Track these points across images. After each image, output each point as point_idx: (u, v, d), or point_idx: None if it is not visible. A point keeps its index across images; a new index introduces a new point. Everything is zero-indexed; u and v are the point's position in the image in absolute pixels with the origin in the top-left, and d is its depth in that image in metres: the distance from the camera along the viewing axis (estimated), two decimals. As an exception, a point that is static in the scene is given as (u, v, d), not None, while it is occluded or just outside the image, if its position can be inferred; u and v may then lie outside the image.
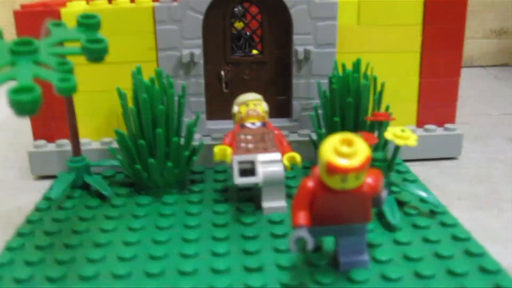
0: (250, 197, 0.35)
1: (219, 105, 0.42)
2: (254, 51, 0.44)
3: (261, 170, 0.31)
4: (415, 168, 0.40)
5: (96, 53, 0.26)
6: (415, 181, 0.37)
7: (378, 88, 0.36)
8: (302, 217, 0.24)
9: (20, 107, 0.21)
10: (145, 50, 0.39)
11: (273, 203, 0.33)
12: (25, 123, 0.51)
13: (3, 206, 0.36)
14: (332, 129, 0.35)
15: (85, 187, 0.37)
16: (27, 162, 0.42)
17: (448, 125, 0.42)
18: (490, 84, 0.67)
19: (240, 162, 0.31)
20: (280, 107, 0.42)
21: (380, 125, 0.34)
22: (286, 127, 0.41)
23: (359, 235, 0.26)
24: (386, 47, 0.40)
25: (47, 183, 0.39)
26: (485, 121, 0.52)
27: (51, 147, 0.40)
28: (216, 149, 0.33)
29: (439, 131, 0.42)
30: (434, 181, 0.38)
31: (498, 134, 0.48)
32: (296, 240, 0.24)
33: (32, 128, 0.40)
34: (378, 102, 0.35)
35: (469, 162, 0.41)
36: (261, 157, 0.32)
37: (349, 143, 0.22)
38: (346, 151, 0.22)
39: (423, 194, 0.33)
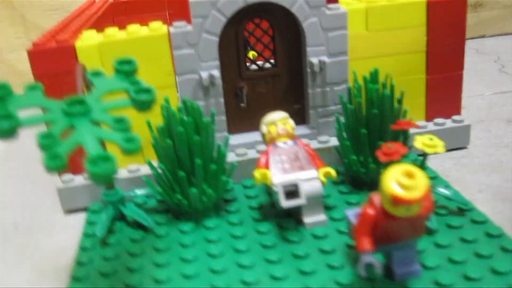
0: (288, 213, 0.36)
1: (237, 120, 0.42)
2: (251, 53, 0.44)
3: (303, 190, 0.33)
4: (430, 162, 0.42)
5: (145, 104, 0.27)
6: (436, 177, 0.39)
7: (396, 94, 0.37)
8: (367, 243, 0.26)
9: (100, 179, 0.22)
10: (163, 75, 0.39)
11: (314, 218, 0.34)
12: (29, 152, 0.51)
13: (45, 248, 0.36)
14: (358, 139, 0.37)
15: (121, 217, 0.38)
16: (52, 195, 0.42)
17: (455, 117, 0.44)
18: (473, 59, 0.69)
19: (285, 186, 0.32)
20: (296, 115, 0.43)
21: (404, 132, 0.36)
22: (305, 135, 0.42)
23: (412, 247, 0.28)
24: (394, 49, 0.42)
25: (79, 217, 0.40)
26: (480, 102, 0.55)
27: (79, 180, 0.40)
28: (257, 174, 0.34)
29: (448, 123, 0.44)
30: (451, 174, 0.40)
31: (495, 116, 0.51)
32: (365, 265, 0.26)
33: (56, 163, 0.40)
34: (399, 110, 0.36)
35: (477, 150, 0.44)
36: (298, 175, 0.34)
37: (410, 175, 0.24)
38: (409, 183, 0.24)
39: (448, 193, 0.35)
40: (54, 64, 0.38)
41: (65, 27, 0.45)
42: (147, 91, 0.27)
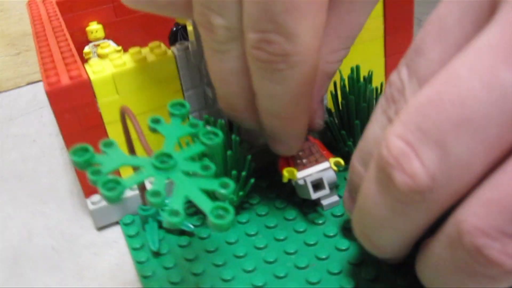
0: (303, 198, 0.43)
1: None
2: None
3: (326, 182, 0.40)
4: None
5: (216, 147, 0.31)
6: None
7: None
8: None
9: (225, 228, 0.27)
10: (172, 93, 0.43)
11: (329, 200, 0.42)
12: (21, 168, 0.53)
13: (100, 266, 0.40)
14: (350, 131, 0.44)
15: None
16: (70, 213, 0.45)
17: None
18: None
19: (312, 181, 0.39)
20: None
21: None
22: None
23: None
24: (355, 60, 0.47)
25: (113, 232, 0.43)
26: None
27: (107, 199, 0.43)
28: (285, 172, 0.40)
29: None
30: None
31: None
32: None
33: (82, 187, 0.43)
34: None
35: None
36: (316, 168, 0.40)
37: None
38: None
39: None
40: (73, 99, 0.40)
41: (48, 47, 0.46)
42: (216, 134, 0.32)
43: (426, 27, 0.27)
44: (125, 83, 0.41)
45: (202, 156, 0.39)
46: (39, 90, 0.67)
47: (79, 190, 0.49)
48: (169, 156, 0.30)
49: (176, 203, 0.28)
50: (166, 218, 0.27)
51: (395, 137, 0.24)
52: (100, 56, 0.56)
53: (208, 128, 0.32)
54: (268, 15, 0.30)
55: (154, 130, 0.33)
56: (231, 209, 0.27)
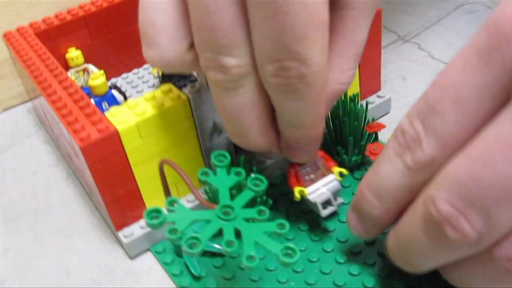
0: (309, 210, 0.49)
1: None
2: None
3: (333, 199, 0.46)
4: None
5: (262, 191, 0.37)
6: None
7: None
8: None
9: (292, 265, 0.33)
10: (187, 129, 0.47)
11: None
12: (52, 203, 0.55)
13: (146, 295, 0.45)
14: (343, 145, 0.51)
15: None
16: (105, 244, 0.49)
17: (379, 93, 0.60)
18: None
19: (322, 203, 0.45)
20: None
21: (376, 133, 0.51)
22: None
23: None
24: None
25: (146, 260, 0.48)
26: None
27: (138, 231, 0.47)
28: (297, 193, 0.46)
29: (377, 100, 0.60)
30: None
31: (394, 75, 0.68)
32: None
33: (112, 221, 0.47)
34: (366, 116, 0.51)
35: (397, 113, 0.61)
36: (323, 181, 0.47)
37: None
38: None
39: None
40: (103, 150, 0.43)
41: (58, 95, 0.48)
42: (261, 180, 0.37)
43: (441, 91, 0.31)
44: (147, 128, 0.45)
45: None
46: (19, 116, 0.68)
47: (99, 220, 0.52)
48: (230, 207, 0.35)
49: (249, 249, 0.33)
50: (243, 264, 0.33)
51: (443, 201, 0.30)
52: (91, 87, 0.58)
53: (253, 175, 0.37)
54: (282, 46, 0.34)
55: (204, 182, 0.38)
56: (297, 249, 0.33)
